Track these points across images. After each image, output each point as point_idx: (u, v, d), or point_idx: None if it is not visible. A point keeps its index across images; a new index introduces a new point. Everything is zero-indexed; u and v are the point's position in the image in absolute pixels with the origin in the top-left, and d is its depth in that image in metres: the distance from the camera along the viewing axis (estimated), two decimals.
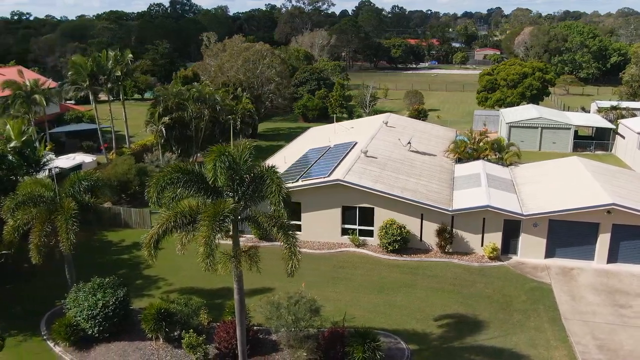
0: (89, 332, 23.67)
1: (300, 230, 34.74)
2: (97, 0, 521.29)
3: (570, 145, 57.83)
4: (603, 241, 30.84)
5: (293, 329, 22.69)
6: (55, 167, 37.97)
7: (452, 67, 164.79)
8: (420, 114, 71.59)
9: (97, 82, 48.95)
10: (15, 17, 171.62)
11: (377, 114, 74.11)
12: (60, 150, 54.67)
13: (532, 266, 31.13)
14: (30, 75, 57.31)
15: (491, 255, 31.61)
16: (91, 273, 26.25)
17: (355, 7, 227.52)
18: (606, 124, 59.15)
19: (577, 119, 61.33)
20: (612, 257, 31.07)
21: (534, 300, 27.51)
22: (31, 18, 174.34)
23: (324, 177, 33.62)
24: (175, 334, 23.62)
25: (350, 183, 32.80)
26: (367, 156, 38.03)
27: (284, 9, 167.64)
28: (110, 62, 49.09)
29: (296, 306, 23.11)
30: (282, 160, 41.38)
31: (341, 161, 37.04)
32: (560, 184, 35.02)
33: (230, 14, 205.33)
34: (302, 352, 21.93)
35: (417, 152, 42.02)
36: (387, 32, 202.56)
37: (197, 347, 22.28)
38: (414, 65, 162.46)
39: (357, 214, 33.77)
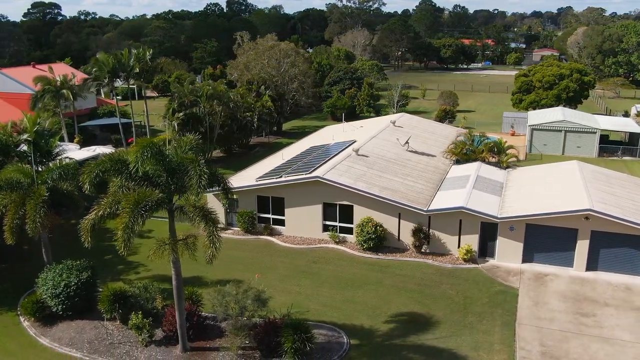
0: (54, 310, 25.49)
1: (283, 225, 35.64)
2: (171, 0, 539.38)
3: (595, 150, 55.66)
4: (581, 248, 29.94)
5: (235, 318, 23.54)
6: (66, 158, 40.51)
7: (506, 68, 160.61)
8: (447, 115, 70.70)
9: (117, 78, 51.63)
10: (82, 17, 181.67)
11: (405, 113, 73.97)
12: (92, 143, 57.94)
13: (506, 270, 30.62)
14: (68, 72, 60.89)
15: (465, 257, 31.31)
16: (77, 257, 27.91)
17: (416, 6, 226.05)
18: (636, 129, 56.49)
19: (605, 122, 58.86)
20: (592, 265, 30.10)
21: (494, 304, 27.17)
22: (96, 17, 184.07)
23: (305, 174, 34.29)
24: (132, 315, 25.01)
25: (328, 180, 33.33)
26: (358, 155, 38.37)
27: (339, 5, 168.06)
28: (132, 59, 51.58)
29: (243, 296, 23.99)
30: (280, 156, 42.38)
31: (330, 159, 37.59)
32: (547, 188, 34.15)
33: (291, 13, 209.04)
34: (238, 339, 22.77)
35: (414, 152, 41.90)
36: (442, 31, 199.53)
37: (142, 328, 23.56)
38: (465, 66, 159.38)
39: (337, 211, 34.25)
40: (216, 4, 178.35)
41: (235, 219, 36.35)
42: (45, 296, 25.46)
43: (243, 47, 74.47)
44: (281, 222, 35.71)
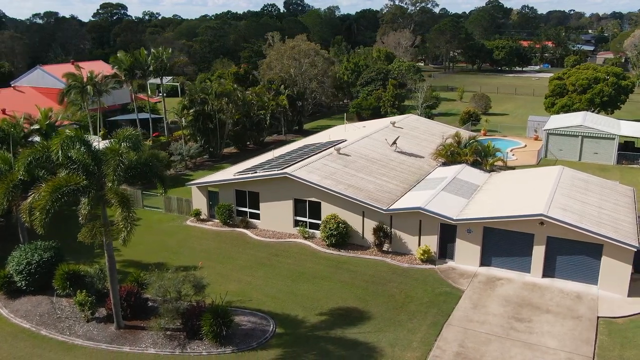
0: (18, 285, 28.02)
1: (259, 219, 36.98)
2: (245, 1, 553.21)
3: (613, 157, 53.45)
4: (538, 253, 29.46)
5: (173, 301, 25.10)
6: None
7: (564, 71, 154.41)
8: (471, 118, 69.78)
9: (134, 76, 54.73)
10: (147, 17, 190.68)
11: (432, 115, 73.48)
12: None
13: (460, 272, 30.57)
14: (104, 69, 64.75)
15: (422, 257, 31.48)
16: (61, 239, 30.28)
17: (481, 7, 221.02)
18: None
19: (630, 129, 56.28)
20: (549, 271, 29.56)
21: (432, 304, 27.32)
22: (159, 17, 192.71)
23: (277, 170, 35.46)
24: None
25: (296, 177, 34.34)
26: (340, 153, 39.12)
27: (391, 5, 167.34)
28: (150, 58, 54.48)
29: (181, 281, 25.52)
30: (270, 154, 43.71)
31: (310, 156, 38.58)
32: (515, 192, 33.69)
33: (353, 13, 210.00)
34: (163, 320, 24.30)
35: (402, 152, 42.12)
36: (508, 33, 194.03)
37: (85, 305, 25.54)
38: (520, 68, 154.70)
39: (307, 207, 35.20)
40: (273, 4, 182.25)
41: (215, 212, 38.04)
42: (11, 272, 28.05)
43: (273, 47, 76.33)
44: (257, 216, 37.07)
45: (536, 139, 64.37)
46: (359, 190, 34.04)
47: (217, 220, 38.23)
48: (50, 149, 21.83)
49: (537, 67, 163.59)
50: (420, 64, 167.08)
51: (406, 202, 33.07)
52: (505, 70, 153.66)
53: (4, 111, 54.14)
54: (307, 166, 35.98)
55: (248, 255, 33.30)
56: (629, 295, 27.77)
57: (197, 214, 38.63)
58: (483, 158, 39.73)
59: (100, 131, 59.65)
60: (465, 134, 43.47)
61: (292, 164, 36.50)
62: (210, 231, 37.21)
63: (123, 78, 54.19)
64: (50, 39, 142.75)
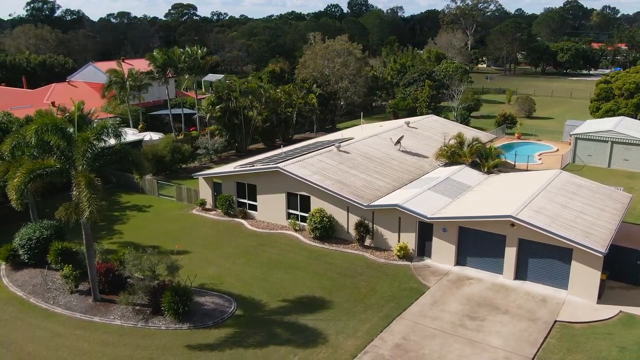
0: (22, 258, 31.22)
1: (256, 210, 38.76)
2: (321, 1, 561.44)
3: None
4: (509, 255, 29.43)
5: (149, 278, 27.29)
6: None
7: (611, 74, 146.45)
8: (506, 120, 68.58)
9: (166, 73, 58.07)
10: (214, 17, 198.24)
11: (468, 116, 72.58)
12: (161, 129, 65.35)
13: (433, 270, 30.98)
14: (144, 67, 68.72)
15: (399, 254, 32.11)
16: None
17: (559, 7, 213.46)
18: None
19: None
20: (521, 274, 29.45)
21: (392, 299, 27.99)
22: (227, 17, 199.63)
23: (271, 164, 37.06)
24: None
25: (286, 171, 35.80)
26: (339, 150, 40.19)
27: (453, 6, 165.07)
28: (184, 56, 57.63)
29: (156, 262, 27.70)
30: (280, 150, 45.35)
31: (309, 152, 39.91)
32: (500, 194, 33.56)
33: (418, 13, 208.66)
34: (131, 296, 26.48)
35: (406, 152, 42.59)
36: (587, 34, 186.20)
37: (69, 278, 28.20)
38: (587, 72, 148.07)
39: (298, 200, 36.59)
40: (336, 5, 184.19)
41: (217, 202, 40.17)
42: (16, 246, 31.28)
43: (314, 47, 78.10)
44: (255, 208, 38.84)
45: (570, 143, 62.43)
46: (345, 186, 35.04)
47: (219, 210, 40.31)
48: (26, 135, 24.47)
49: (608, 71, 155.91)
50: (482, 65, 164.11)
51: (388, 199, 33.74)
52: (570, 73, 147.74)
53: (53, 104, 59.05)
54: (301, 161, 37.35)
55: (237, 244, 35.10)
56: (598, 302, 27.32)
57: (202, 203, 40.90)
58: (483, 159, 39.55)
59: (140, 124, 63.65)
60: (469, 134, 43.25)
61: (289, 159, 37.97)
62: (211, 220, 39.36)
63: (156, 75, 57.64)
64: (123, 37, 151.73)
